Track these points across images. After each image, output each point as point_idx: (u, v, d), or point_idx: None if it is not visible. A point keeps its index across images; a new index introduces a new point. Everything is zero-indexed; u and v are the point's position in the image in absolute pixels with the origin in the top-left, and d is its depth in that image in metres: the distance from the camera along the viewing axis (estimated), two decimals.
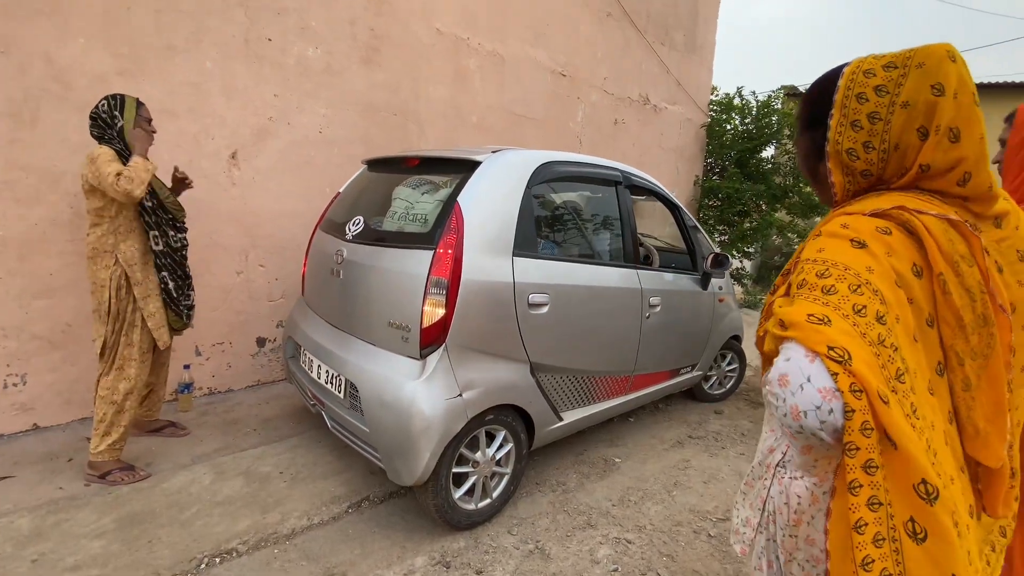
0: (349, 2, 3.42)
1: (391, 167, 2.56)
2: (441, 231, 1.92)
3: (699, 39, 6.68)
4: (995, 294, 0.80)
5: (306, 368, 2.41)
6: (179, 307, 2.35)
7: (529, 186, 2.13)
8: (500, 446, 2.16)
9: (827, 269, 0.78)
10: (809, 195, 7.19)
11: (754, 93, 7.38)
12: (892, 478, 0.68)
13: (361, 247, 2.19)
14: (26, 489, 2.13)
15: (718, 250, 3.12)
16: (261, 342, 3.32)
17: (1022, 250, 0.88)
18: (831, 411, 0.69)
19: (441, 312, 1.87)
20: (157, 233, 2.24)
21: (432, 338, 1.88)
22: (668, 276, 2.91)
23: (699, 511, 2.37)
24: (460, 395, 1.91)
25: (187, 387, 2.90)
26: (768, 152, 7.49)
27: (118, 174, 1.97)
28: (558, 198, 2.48)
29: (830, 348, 0.70)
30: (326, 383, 2.23)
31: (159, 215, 2.25)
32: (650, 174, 3.07)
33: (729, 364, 3.73)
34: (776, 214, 7.31)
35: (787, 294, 0.88)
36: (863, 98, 0.84)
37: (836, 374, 0.69)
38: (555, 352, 2.24)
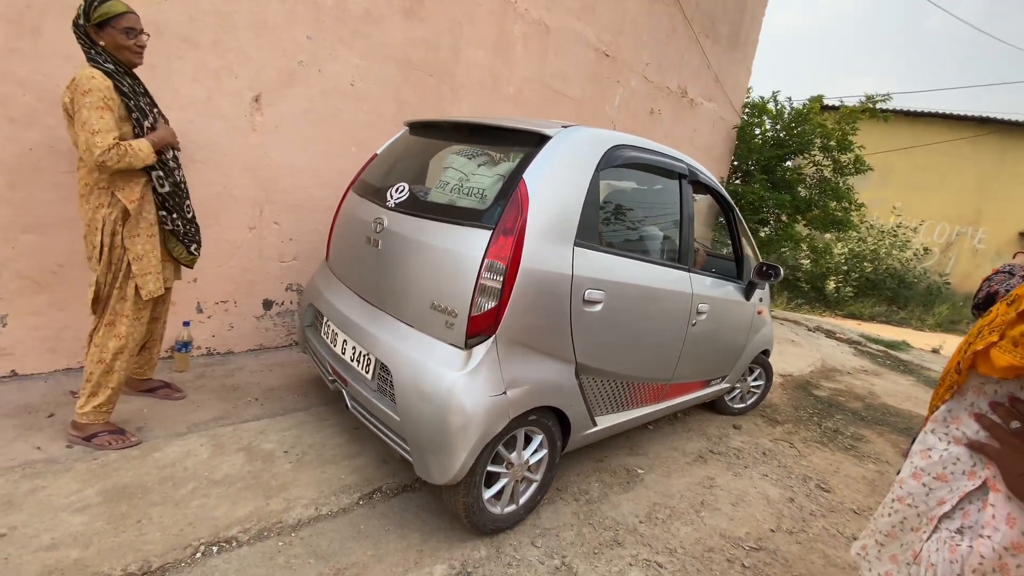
0: None
1: (438, 132, 2.32)
2: (502, 210, 1.70)
3: (743, 36, 6.41)
4: None
5: (328, 341, 2.20)
6: (189, 243, 2.12)
7: (598, 169, 1.91)
8: (535, 451, 1.98)
9: None
10: (832, 210, 7.03)
11: (789, 99, 7.17)
12: None
13: (405, 217, 1.95)
14: None
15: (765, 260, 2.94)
16: (268, 304, 3.08)
17: None
18: None
19: (494, 300, 1.66)
20: (162, 173, 1.96)
21: (481, 328, 1.68)
22: (716, 282, 2.72)
23: (731, 537, 2.22)
24: (504, 392, 1.71)
25: (185, 346, 2.67)
26: (790, 162, 7.31)
27: (110, 147, 1.71)
28: (623, 185, 2.26)
29: None
30: (351, 360, 2.03)
31: (162, 152, 1.95)
32: None
33: (755, 379, 3.59)
34: (795, 226, 7.16)
35: None
36: None
37: None
38: (602, 354, 2.06)
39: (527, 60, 4.07)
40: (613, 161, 2.00)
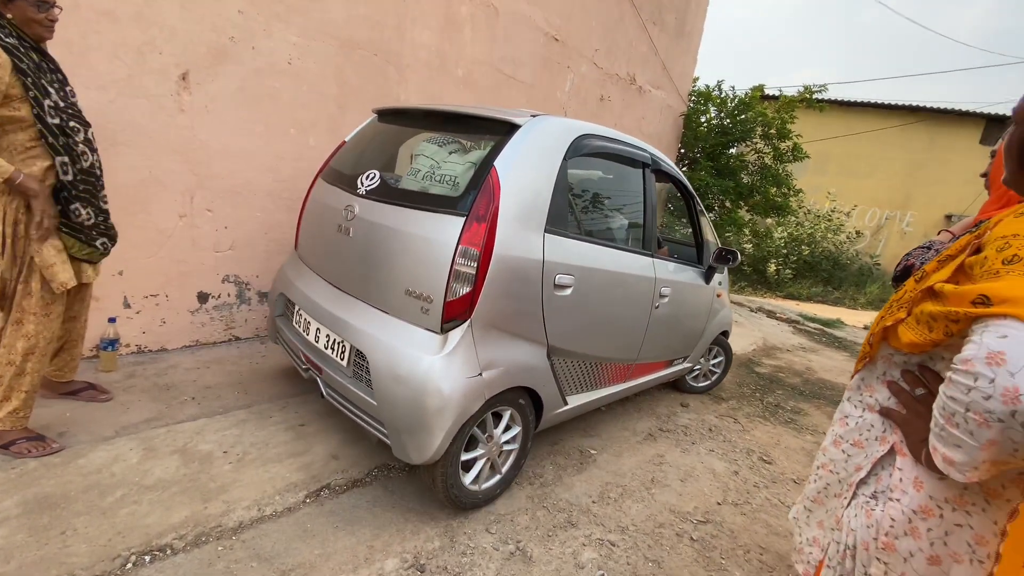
0: None
1: (407, 120, 2.35)
2: (474, 197, 1.73)
3: (688, 25, 6.53)
4: None
5: (300, 329, 2.17)
6: (96, 238, 1.91)
7: (566, 157, 1.95)
8: (509, 441, 2.05)
9: None
10: (772, 196, 7.34)
11: (733, 88, 7.38)
12: None
13: (377, 205, 1.94)
14: None
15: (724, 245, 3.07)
16: (203, 297, 2.91)
17: None
18: None
19: (469, 285, 1.69)
20: (67, 159, 1.75)
21: (456, 312, 1.71)
22: (677, 267, 2.85)
23: (679, 512, 2.30)
24: (480, 374, 1.76)
25: (112, 343, 2.48)
26: (734, 149, 7.56)
27: None
28: (589, 174, 2.33)
29: None
30: (326, 348, 2.01)
31: (69, 135, 1.75)
32: None
33: (715, 359, 3.78)
34: (738, 212, 7.43)
35: (954, 279, 0.87)
36: None
37: None
38: (571, 336, 2.13)
39: (476, 42, 3.99)
40: (580, 150, 2.05)
